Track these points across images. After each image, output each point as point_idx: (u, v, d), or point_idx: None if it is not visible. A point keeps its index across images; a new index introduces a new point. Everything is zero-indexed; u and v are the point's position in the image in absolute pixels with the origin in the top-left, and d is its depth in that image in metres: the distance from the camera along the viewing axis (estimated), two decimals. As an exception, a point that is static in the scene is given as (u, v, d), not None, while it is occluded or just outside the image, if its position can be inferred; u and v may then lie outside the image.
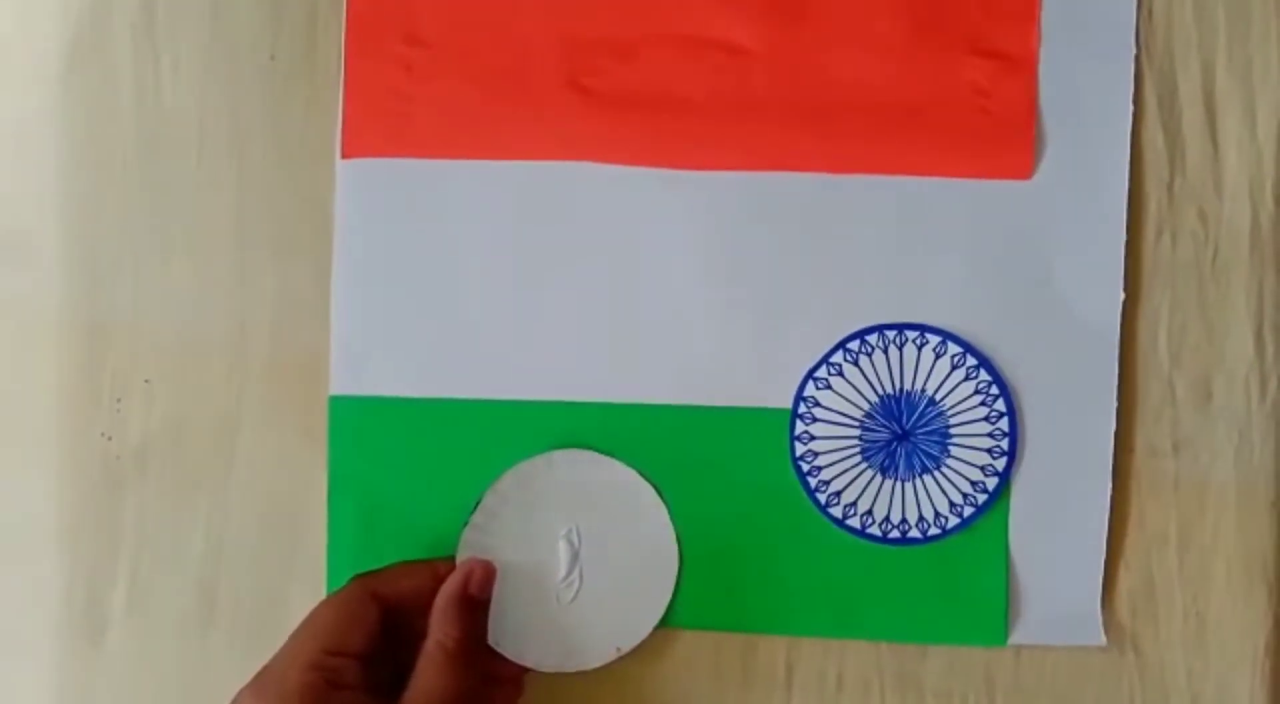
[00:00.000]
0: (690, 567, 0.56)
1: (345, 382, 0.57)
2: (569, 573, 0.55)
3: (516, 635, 0.55)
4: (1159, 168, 0.55)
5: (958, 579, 0.55)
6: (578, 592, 0.55)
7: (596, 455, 0.55)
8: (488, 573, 0.54)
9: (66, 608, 0.58)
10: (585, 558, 0.55)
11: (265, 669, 0.50)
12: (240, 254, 0.57)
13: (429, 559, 0.55)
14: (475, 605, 0.53)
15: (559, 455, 0.55)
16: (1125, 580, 0.55)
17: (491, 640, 0.54)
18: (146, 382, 0.58)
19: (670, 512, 0.56)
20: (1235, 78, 0.55)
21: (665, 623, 0.56)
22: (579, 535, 0.55)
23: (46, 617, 0.58)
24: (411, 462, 0.56)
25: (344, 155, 0.56)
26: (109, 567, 0.58)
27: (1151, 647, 0.55)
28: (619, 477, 0.56)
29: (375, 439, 0.57)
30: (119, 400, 0.58)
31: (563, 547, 0.55)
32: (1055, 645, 0.55)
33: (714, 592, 0.56)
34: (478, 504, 0.55)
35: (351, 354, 0.57)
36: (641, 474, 0.56)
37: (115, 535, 0.58)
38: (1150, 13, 0.55)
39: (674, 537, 0.55)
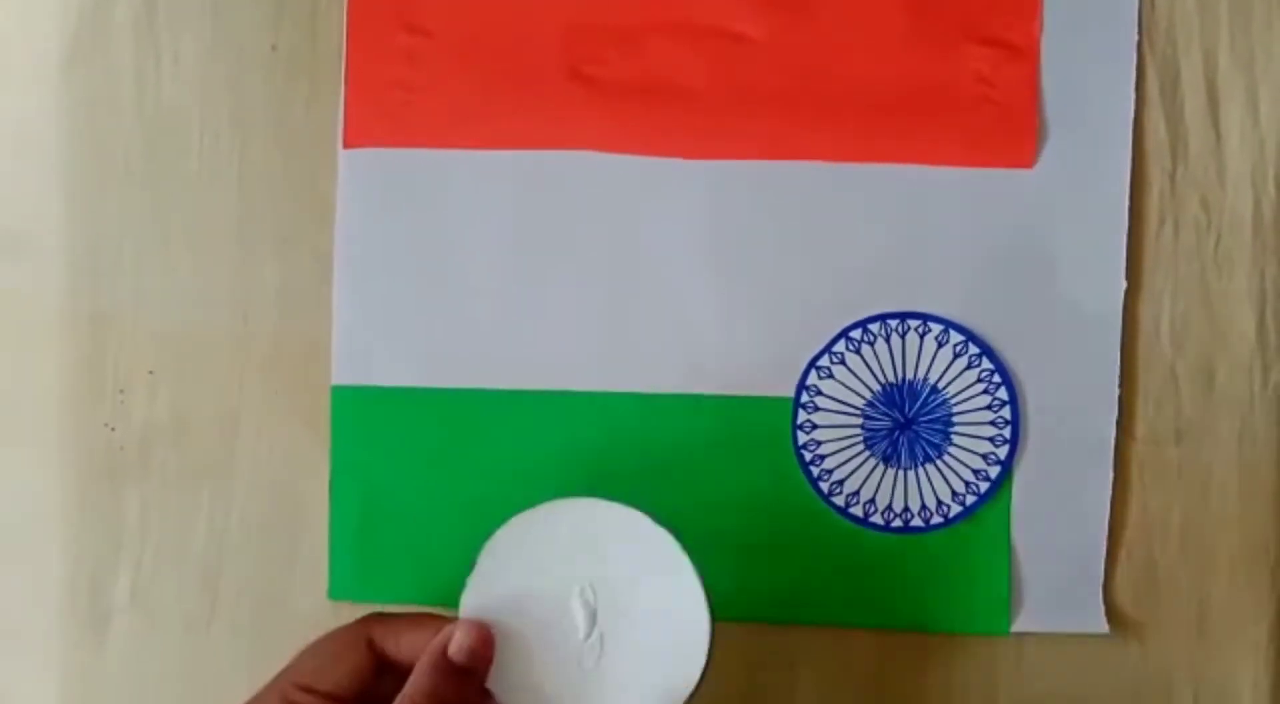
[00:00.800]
0: (692, 557, 0.55)
1: (347, 372, 0.57)
2: (589, 634, 0.50)
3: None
4: (1161, 156, 0.55)
5: (960, 568, 0.55)
6: (601, 655, 0.50)
7: (599, 502, 0.50)
8: (478, 641, 0.49)
9: (70, 599, 0.58)
10: (604, 617, 0.50)
11: (255, 697, 0.49)
12: (242, 245, 0.57)
13: (439, 615, 0.51)
14: (457, 670, 0.48)
15: (560, 505, 0.50)
16: (1127, 568, 0.55)
17: None
18: (150, 373, 0.58)
19: (671, 501, 0.55)
20: (1238, 65, 0.55)
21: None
22: (594, 592, 0.50)
23: (49, 608, 0.58)
24: (414, 451, 0.56)
25: (346, 145, 0.56)
26: (112, 558, 0.58)
27: (1154, 634, 0.56)
28: (628, 522, 0.50)
29: (378, 429, 0.57)
30: (122, 391, 0.58)
31: (577, 606, 0.50)
32: (1058, 633, 0.55)
33: (717, 582, 0.56)
34: (474, 565, 0.50)
35: (353, 344, 0.57)
36: (651, 516, 0.50)
37: (118, 526, 0.58)
38: (1153, 1, 0.55)
39: (700, 587, 0.49)
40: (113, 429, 0.58)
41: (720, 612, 0.55)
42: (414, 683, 0.48)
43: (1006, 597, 0.55)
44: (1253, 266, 0.55)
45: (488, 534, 0.51)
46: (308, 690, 0.48)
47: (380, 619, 0.50)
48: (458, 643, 0.48)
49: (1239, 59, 0.55)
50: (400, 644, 0.49)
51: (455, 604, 0.50)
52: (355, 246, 0.57)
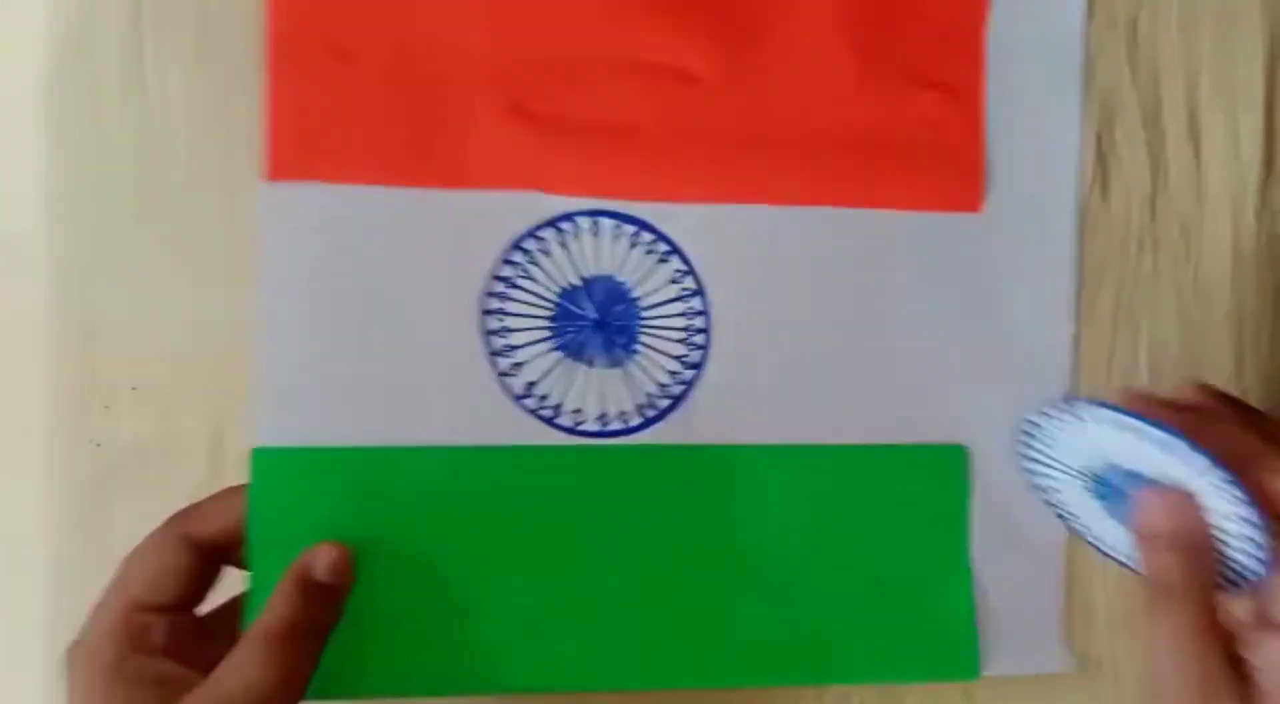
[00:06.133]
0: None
1: (271, 431, 0.51)
2: None
3: None
4: (1141, 182, 0.54)
5: (925, 619, 0.54)
6: None
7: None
8: (341, 556, 0.48)
9: (54, 615, 0.59)
10: None
11: (80, 634, 0.48)
12: (227, 262, 0.55)
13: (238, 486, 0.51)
14: (319, 589, 0.48)
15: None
16: (1102, 598, 0.55)
17: None
18: (134, 389, 0.57)
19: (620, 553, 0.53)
20: (1219, 93, 0.53)
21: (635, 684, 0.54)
22: None
23: (34, 624, 0.59)
24: (346, 517, 0.51)
25: (268, 177, 0.51)
26: (97, 574, 0.59)
27: (1128, 663, 0.56)
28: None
29: (304, 495, 0.51)
30: (107, 407, 0.58)
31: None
32: (1025, 675, 0.55)
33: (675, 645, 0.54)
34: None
35: (278, 400, 0.51)
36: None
37: (103, 542, 0.58)
38: (1135, 28, 0.53)
39: None
40: (98, 445, 0.58)
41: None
42: (270, 605, 0.47)
43: (974, 644, 0.54)
44: (1231, 294, 0.54)
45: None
46: (149, 610, 0.47)
47: (185, 515, 0.49)
48: (328, 564, 0.49)
49: (1221, 86, 0.53)
50: (214, 531, 0.49)
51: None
52: (279, 289, 0.51)
